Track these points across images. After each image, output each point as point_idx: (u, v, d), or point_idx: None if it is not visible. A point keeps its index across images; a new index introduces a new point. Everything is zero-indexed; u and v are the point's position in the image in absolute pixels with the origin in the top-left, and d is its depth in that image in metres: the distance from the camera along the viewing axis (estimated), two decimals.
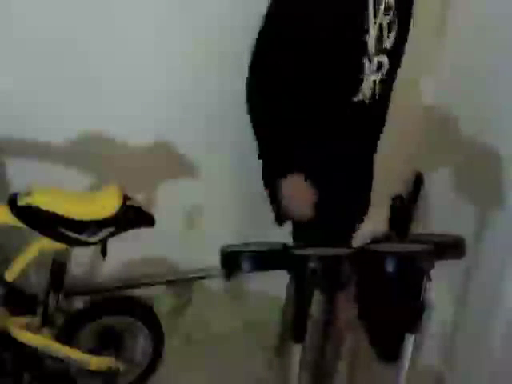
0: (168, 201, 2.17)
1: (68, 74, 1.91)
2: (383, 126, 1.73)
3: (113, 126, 2.02)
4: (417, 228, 2.32)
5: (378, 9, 1.45)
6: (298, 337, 1.27)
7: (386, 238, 2.25)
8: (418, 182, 2.34)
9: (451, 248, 1.37)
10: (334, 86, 1.51)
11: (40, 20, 1.83)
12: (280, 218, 1.72)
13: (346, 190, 1.66)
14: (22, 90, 1.87)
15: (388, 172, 1.85)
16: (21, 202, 1.53)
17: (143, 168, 2.14)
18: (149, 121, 2.04)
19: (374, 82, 1.53)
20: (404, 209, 2.36)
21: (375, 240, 2.14)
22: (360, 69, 1.49)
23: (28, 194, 1.54)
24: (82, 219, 1.56)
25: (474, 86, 2.00)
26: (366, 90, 1.52)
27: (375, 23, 1.45)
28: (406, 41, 1.62)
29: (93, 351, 1.83)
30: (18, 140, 1.94)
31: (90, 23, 1.88)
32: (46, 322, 1.71)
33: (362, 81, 1.50)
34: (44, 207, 1.53)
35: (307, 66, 1.48)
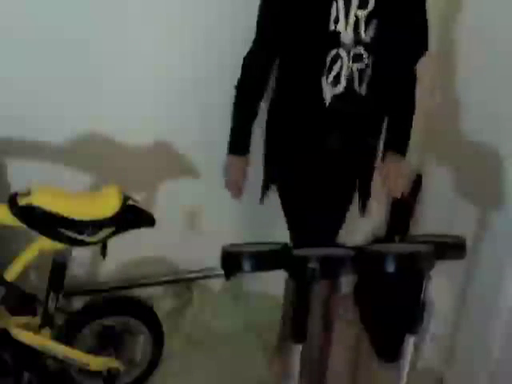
0: (168, 201, 2.17)
1: (68, 74, 1.91)
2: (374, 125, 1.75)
3: (113, 126, 2.02)
4: (417, 228, 2.32)
5: (350, 4, 1.52)
6: (298, 337, 1.27)
7: (386, 239, 2.26)
8: (417, 182, 2.34)
9: (451, 248, 1.37)
10: (306, 73, 1.61)
11: (40, 20, 1.84)
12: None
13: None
14: (22, 90, 1.87)
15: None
16: (21, 202, 1.52)
17: (143, 168, 2.14)
18: (149, 121, 2.04)
19: (352, 72, 1.59)
20: (404, 209, 2.36)
21: (375, 240, 2.14)
22: (335, 59, 1.57)
23: (28, 193, 1.54)
24: (82, 219, 1.56)
25: (474, 85, 2.00)
26: (343, 79, 1.59)
27: (347, 15, 1.52)
28: (395, 36, 1.60)
29: (93, 351, 1.83)
30: (18, 140, 1.94)
31: (90, 23, 1.88)
32: (46, 322, 1.71)
33: (339, 71, 1.58)
34: (44, 207, 1.53)
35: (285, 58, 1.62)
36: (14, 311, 1.73)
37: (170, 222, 2.01)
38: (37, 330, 1.71)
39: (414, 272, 1.30)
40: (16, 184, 1.93)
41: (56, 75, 1.89)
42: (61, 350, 1.73)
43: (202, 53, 2.02)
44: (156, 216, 1.68)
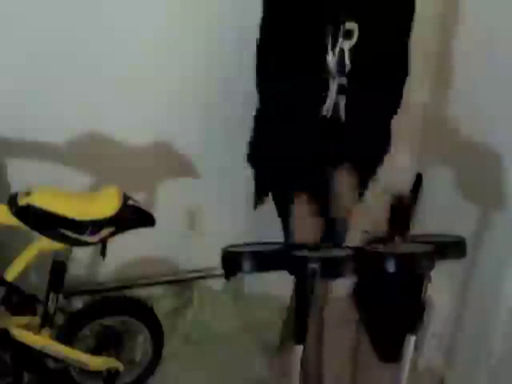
0: (168, 201, 2.17)
1: (68, 74, 1.91)
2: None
3: (113, 126, 2.02)
4: (417, 228, 2.32)
5: (338, 36, 1.53)
6: (299, 337, 1.27)
7: (386, 239, 2.26)
8: (417, 182, 2.34)
9: (452, 248, 1.37)
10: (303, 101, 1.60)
11: (40, 20, 1.84)
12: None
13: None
14: (22, 90, 1.87)
15: (388, 172, 1.85)
16: (21, 202, 1.52)
17: (143, 168, 2.14)
18: (149, 121, 2.04)
19: (336, 101, 1.59)
20: (404, 209, 2.36)
21: (375, 240, 2.14)
22: (325, 88, 1.58)
23: (28, 194, 1.54)
24: (82, 219, 1.56)
25: (474, 85, 2.00)
26: (326, 109, 1.60)
27: (334, 49, 1.54)
28: (374, 60, 1.61)
29: (93, 351, 1.83)
30: (18, 140, 1.94)
31: (91, 23, 1.88)
32: (46, 322, 1.71)
33: (325, 100, 1.59)
34: (44, 207, 1.53)
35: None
36: (14, 311, 1.73)
37: (170, 221, 2.01)
38: (37, 330, 1.71)
39: (414, 272, 1.30)
40: (16, 184, 1.93)
41: (56, 75, 1.90)
42: (61, 349, 1.73)
43: (202, 53, 2.02)
44: (156, 216, 1.68)
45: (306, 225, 1.69)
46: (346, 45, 1.54)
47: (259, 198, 1.78)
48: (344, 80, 1.58)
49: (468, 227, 1.92)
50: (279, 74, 1.59)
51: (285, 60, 1.57)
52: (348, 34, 1.54)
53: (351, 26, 1.53)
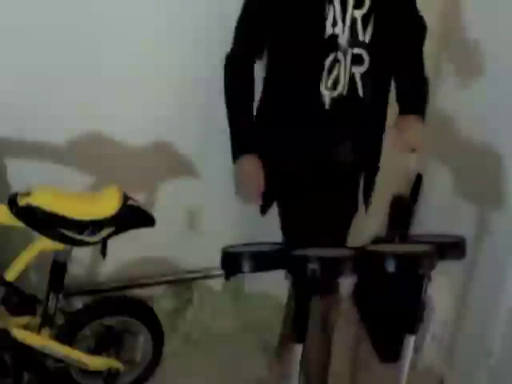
0: (168, 201, 2.17)
1: (68, 74, 1.91)
2: (378, 123, 1.69)
3: (113, 126, 2.02)
4: (417, 228, 2.32)
5: (347, 3, 1.48)
6: (299, 337, 1.27)
7: (386, 239, 2.26)
8: (417, 182, 2.34)
9: (452, 248, 1.37)
10: (304, 78, 1.55)
11: (40, 20, 1.83)
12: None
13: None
14: (22, 90, 1.87)
15: (388, 172, 1.85)
16: (21, 202, 1.52)
17: (143, 168, 2.14)
18: (149, 121, 2.04)
19: (353, 74, 1.55)
20: (404, 209, 2.36)
21: (375, 240, 2.14)
22: (333, 64, 1.53)
23: (28, 194, 1.54)
24: (82, 219, 1.56)
25: (474, 85, 2.00)
26: (343, 82, 1.55)
27: (344, 17, 1.49)
28: (392, 36, 1.58)
29: (93, 351, 1.83)
30: (18, 140, 1.94)
31: (91, 23, 1.88)
32: (46, 322, 1.71)
33: (338, 74, 1.54)
34: (44, 207, 1.53)
35: (278, 59, 1.57)
36: (14, 311, 1.73)
37: (170, 221, 2.01)
38: (37, 330, 1.71)
39: (414, 272, 1.30)
40: (16, 184, 1.93)
41: (56, 75, 1.89)
42: (61, 349, 1.73)
43: (202, 53, 2.02)
44: (156, 216, 1.68)
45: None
46: (358, 13, 1.50)
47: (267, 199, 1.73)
48: (360, 50, 1.53)
49: (468, 227, 1.92)
50: (274, 54, 1.56)
51: (280, 35, 1.53)
52: (359, 2, 1.49)
53: None
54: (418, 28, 1.68)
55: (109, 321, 1.88)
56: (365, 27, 1.52)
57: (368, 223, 2.29)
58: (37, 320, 1.73)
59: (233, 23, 1.96)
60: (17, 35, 1.83)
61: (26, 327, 1.71)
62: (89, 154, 2.05)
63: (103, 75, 1.95)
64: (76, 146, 2.03)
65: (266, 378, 2.11)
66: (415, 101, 1.63)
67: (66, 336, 1.78)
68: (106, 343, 1.87)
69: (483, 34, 1.93)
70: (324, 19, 1.49)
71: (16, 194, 1.56)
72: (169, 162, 2.21)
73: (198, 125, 2.10)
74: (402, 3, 1.61)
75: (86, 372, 1.84)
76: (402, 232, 2.31)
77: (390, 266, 1.20)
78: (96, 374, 1.84)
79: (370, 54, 1.54)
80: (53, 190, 1.60)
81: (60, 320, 1.79)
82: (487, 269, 1.91)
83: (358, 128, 1.64)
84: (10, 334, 1.66)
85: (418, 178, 2.35)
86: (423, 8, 1.69)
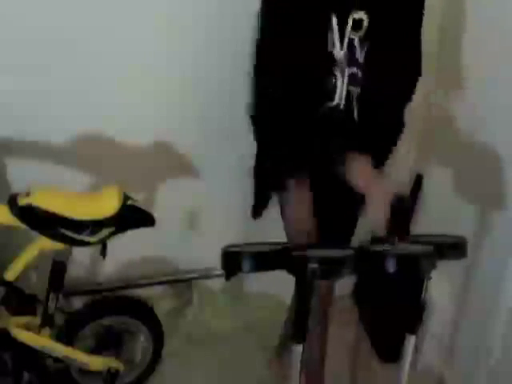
0: (168, 201, 2.17)
1: (68, 74, 1.91)
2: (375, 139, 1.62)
3: (113, 126, 2.02)
4: (417, 228, 2.32)
5: (345, 27, 1.49)
6: (299, 337, 1.27)
7: (386, 239, 2.26)
8: (417, 182, 2.34)
9: (452, 248, 1.37)
10: (309, 92, 1.53)
11: (40, 20, 1.83)
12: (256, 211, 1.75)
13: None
14: (22, 90, 1.87)
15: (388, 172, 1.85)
16: (21, 202, 1.52)
17: (143, 168, 2.14)
18: (149, 121, 2.04)
19: (348, 92, 1.55)
20: (404, 209, 2.36)
21: (375, 240, 2.14)
22: (331, 79, 1.53)
23: (28, 194, 1.54)
24: (81, 219, 1.56)
25: (474, 85, 2.00)
26: (339, 98, 1.55)
27: (342, 39, 1.49)
28: (387, 52, 1.55)
29: (93, 351, 1.83)
30: (18, 140, 1.94)
31: (91, 23, 1.88)
32: (46, 322, 1.71)
33: (334, 90, 1.54)
34: (44, 207, 1.53)
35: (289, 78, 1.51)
36: (14, 311, 1.73)
37: (169, 221, 2.01)
38: (37, 330, 1.71)
39: (414, 272, 1.30)
40: (16, 184, 1.93)
41: (56, 75, 1.89)
42: (61, 349, 1.73)
43: (202, 53, 2.02)
44: (156, 216, 1.68)
45: (304, 212, 1.64)
46: (356, 35, 1.50)
47: (260, 201, 1.74)
48: (355, 70, 1.53)
49: (468, 227, 1.92)
50: (283, 71, 1.51)
51: (288, 57, 1.49)
52: (357, 24, 1.49)
53: (360, 15, 1.48)
54: (411, 73, 1.61)
55: (109, 321, 1.88)
56: (361, 48, 1.53)
57: (368, 223, 2.29)
58: (37, 320, 1.73)
59: (233, 23, 1.97)
60: (17, 35, 1.83)
61: (26, 327, 1.71)
62: (89, 154, 2.05)
63: (103, 75, 1.95)
64: (76, 145, 2.03)
65: (266, 377, 2.11)
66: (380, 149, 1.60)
67: (66, 336, 1.78)
68: (105, 343, 1.87)
69: (483, 34, 1.93)
70: (326, 38, 1.49)
71: (16, 194, 1.55)
72: (169, 161, 2.21)
73: (198, 125, 2.10)
74: (402, 28, 1.56)
75: (86, 372, 1.84)
76: (402, 232, 2.31)
77: (390, 266, 1.20)
78: (96, 373, 1.84)
79: (363, 74, 1.55)
80: (53, 190, 1.60)
81: (60, 320, 1.79)
82: (487, 269, 1.91)
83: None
84: (10, 334, 1.66)
85: (418, 178, 2.35)
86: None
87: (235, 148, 2.11)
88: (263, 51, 1.53)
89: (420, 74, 1.61)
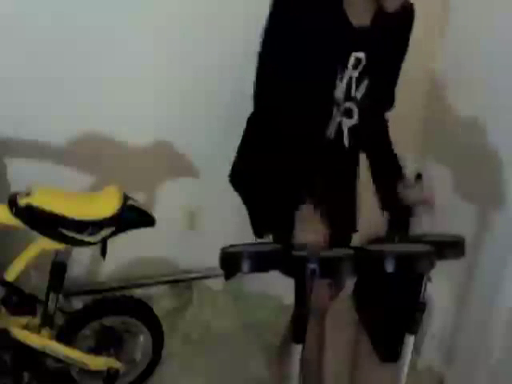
0: (168, 201, 2.17)
1: (68, 74, 1.91)
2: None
3: (113, 126, 2.02)
4: (417, 228, 2.32)
5: (346, 67, 1.52)
6: (298, 337, 1.27)
7: (385, 239, 2.26)
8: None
9: (451, 248, 1.37)
10: (308, 123, 1.57)
11: (40, 20, 1.84)
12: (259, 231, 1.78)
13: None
14: (22, 90, 1.87)
15: None
16: (21, 202, 1.52)
17: (143, 168, 2.15)
18: (149, 121, 2.04)
19: (339, 123, 1.59)
20: (404, 209, 2.36)
21: (375, 240, 2.14)
22: (328, 112, 1.57)
23: (28, 194, 1.54)
24: (82, 219, 1.56)
25: (474, 85, 2.00)
26: (332, 129, 1.60)
27: (342, 78, 1.53)
28: (384, 89, 1.64)
29: (93, 351, 1.83)
30: (18, 140, 1.94)
31: (91, 23, 1.88)
32: (46, 322, 1.71)
33: (329, 124, 1.59)
34: (44, 207, 1.53)
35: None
36: (14, 311, 1.73)
37: (169, 221, 2.01)
38: (37, 330, 1.71)
39: (413, 272, 1.30)
40: (16, 184, 1.93)
41: (56, 75, 1.90)
42: (61, 349, 1.73)
43: (202, 53, 2.02)
44: (156, 216, 1.68)
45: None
46: (355, 73, 1.54)
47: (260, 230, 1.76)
48: (350, 104, 1.57)
49: (468, 227, 1.92)
50: (283, 109, 1.55)
51: (289, 96, 1.53)
52: (356, 64, 1.53)
53: (359, 55, 1.52)
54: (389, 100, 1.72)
55: (109, 321, 1.88)
56: (358, 85, 1.56)
57: (368, 223, 2.29)
58: (37, 320, 1.73)
59: (232, 23, 1.97)
60: (17, 35, 1.83)
61: (26, 327, 1.71)
62: (89, 154, 2.05)
63: (103, 75, 1.95)
64: (76, 145, 2.03)
65: (266, 377, 2.11)
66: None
67: (66, 336, 1.78)
68: (106, 343, 1.87)
69: (483, 34, 1.93)
70: (334, 84, 1.53)
71: (16, 194, 1.56)
72: (169, 161, 2.21)
73: (198, 125, 2.10)
74: (392, 65, 1.64)
75: (86, 372, 1.84)
76: (402, 232, 2.31)
77: (390, 266, 1.20)
78: (96, 373, 1.84)
79: (359, 108, 1.58)
80: (53, 190, 1.60)
81: (60, 320, 1.79)
82: (487, 269, 1.91)
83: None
84: (10, 334, 1.66)
85: (418, 178, 2.34)
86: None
87: (235, 148, 2.11)
88: (264, 94, 1.56)
89: (393, 105, 1.73)
